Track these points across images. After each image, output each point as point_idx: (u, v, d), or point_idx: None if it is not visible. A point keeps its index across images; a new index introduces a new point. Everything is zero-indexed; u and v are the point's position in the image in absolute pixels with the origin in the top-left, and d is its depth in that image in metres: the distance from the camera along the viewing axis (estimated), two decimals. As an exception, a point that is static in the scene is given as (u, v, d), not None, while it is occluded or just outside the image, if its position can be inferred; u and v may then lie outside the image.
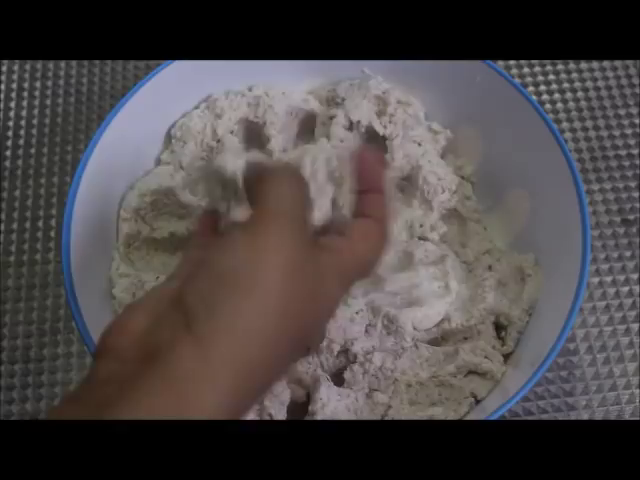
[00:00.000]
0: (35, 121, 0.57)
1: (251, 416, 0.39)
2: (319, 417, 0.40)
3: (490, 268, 0.46)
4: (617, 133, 0.57)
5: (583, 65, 0.61)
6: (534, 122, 0.45)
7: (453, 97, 0.49)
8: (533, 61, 0.61)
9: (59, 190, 0.54)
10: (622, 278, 0.51)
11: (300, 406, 0.41)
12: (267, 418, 0.39)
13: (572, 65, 0.61)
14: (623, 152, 0.56)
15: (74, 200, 0.42)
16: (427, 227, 0.46)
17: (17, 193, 0.54)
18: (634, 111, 0.58)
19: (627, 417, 0.47)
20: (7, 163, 0.55)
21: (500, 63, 0.60)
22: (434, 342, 0.43)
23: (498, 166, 0.48)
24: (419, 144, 0.47)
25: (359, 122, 0.47)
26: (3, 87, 0.59)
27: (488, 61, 0.47)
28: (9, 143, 0.56)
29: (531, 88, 0.59)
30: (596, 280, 0.51)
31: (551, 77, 0.60)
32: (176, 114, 0.49)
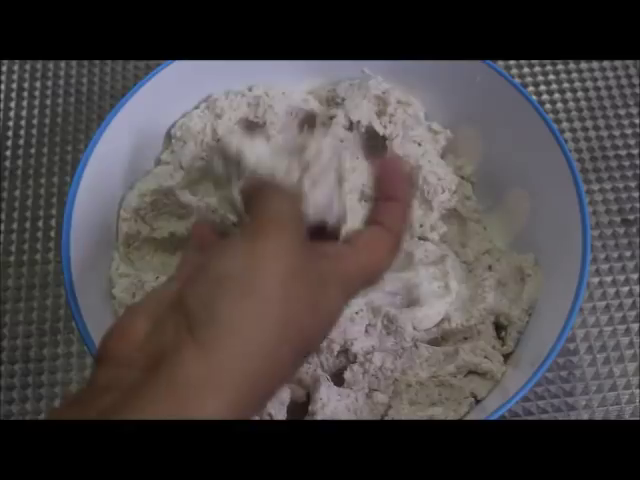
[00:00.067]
0: (35, 121, 0.57)
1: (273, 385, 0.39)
2: (319, 417, 0.40)
3: (490, 268, 0.46)
4: (617, 133, 0.57)
5: (583, 65, 0.61)
6: (534, 122, 0.45)
7: (453, 97, 0.49)
8: (533, 61, 0.61)
9: (59, 190, 0.54)
10: (622, 278, 0.51)
11: (300, 406, 0.41)
12: (267, 418, 0.39)
13: (572, 65, 0.61)
14: (623, 152, 0.56)
15: (74, 200, 0.42)
16: (427, 227, 0.46)
17: (17, 193, 0.54)
18: (634, 111, 0.58)
19: (627, 417, 0.47)
20: (7, 163, 0.55)
21: (500, 63, 0.60)
22: (434, 342, 0.43)
23: (498, 166, 0.48)
24: (419, 144, 0.47)
25: (359, 122, 0.47)
26: (3, 87, 0.59)
27: (488, 61, 0.47)
28: (9, 143, 0.56)
29: (531, 88, 0.59)
30: (596, 280, 0.51)
31: (551, 77, 0.60)
32: (176, 114, 0.49)
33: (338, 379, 0.42)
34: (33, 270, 0.51)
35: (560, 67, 0.61)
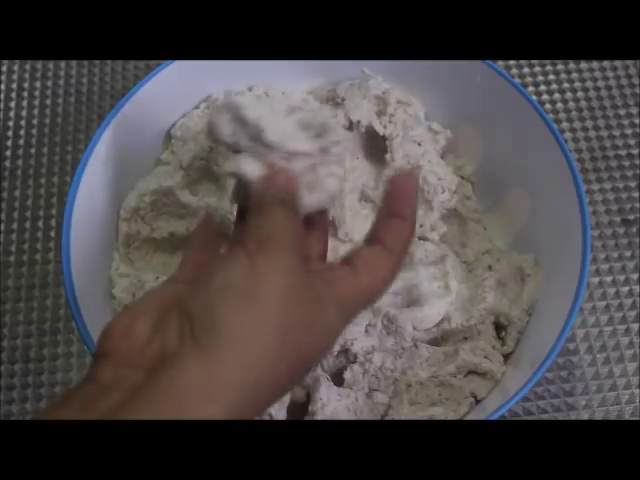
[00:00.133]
0: (35, 121, 0.57)
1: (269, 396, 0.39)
2: (319, 417, 0.40)
3: (490, 268, 0.46)
4: (617, 133, 0.57)
5: (583, 65, 0.61)
6: (534, 122, 0.45)
7: (453, 97, 0.49)
8: (533, 61, 0.61)
9: (59, 190, 0.54)
10: (622, 278, 0.51)
11: (300, 406, 0.41)
12: (267, 418, 0.39)
13: (572, 65, 0.61)
14: (623, 152, 0.56)
15: (74, 200, 0.42)
16: (427, 227, 0.46)
17: (17, 193, 0.54)
18: (634, 111, 0.58)
19: (627, 417, 0.47)
20: (7, 163, 0.55)
21: (500, 63, 0.60)
22: (434, 342, 0.43)
23: (498, 166, 0.48)
24: (419, 144, 0.47)
25: (359, 122, 0.47)
26: (3, 87, 0.59)
27: (488, 61, 0.47)
28: (9, 143, 0.56)
29: (531, 88, 0.59)
30: (596, 280, 0.51)
31: (551, 77, 0.60)
32: (176, 114, 0.49)
33: (338, 379, 0.42)
34: (33, 270, 0.51)
35: (560, 67, 0.61)
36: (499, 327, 0.44)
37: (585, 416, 0.47)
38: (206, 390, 0.25)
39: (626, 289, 0.51)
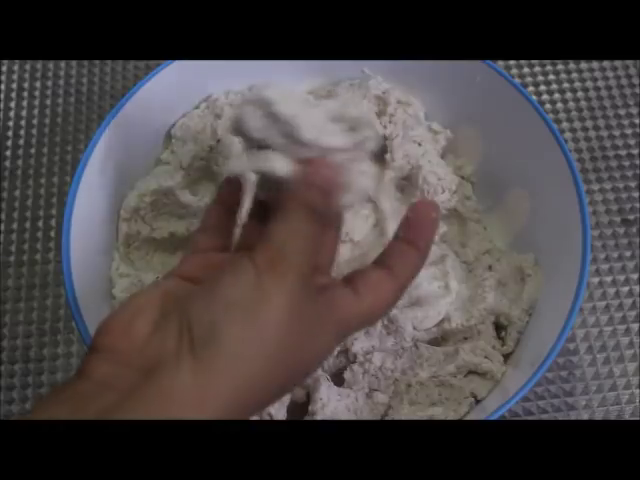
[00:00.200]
0: (35, 121, 0.57)
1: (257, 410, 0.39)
2: (319, 417, 0.40)
3: (490, 268, 0.46)
4: (617, 133, 0.57)
5: (583, 65, 0.61)
6: (534, 122, 0.45)
7: (453, 97, 0.49)
8: (533, 61, 0.61)
9: (59, 190, 0.54)
10: (622, 278, 0.51)
11: (300, 406, 0.41)
12: (267, 418, 0.39)
13: (572, 65, 0.61)
14: (623, 152, 0.56)
15: (74, 200, 0.42)
16: (427, 227, 0.46)
17: (17, 193, 0.54)
18: (634, 111, 0.58)
19: (627, 417, 0.47)
20: (7, 163, 0.55)
21: (500, 63, 0.60)
22: (434, 342, 0.43)
23: (498, 166, 0.48)
24: (419, 144, 0.47)
25: (359, 122, 0.47)
26: (3, 87, 0.59)
27: (488, 61, 0.47)
28: (9, 143, 0.56)
29: (531, 88, 0.59)
30: (596, 280, 0.51)
31: (551, 77, 0.60)
32: (176, 114, 0.49)
33: (338, 379, 0.42)
34: (33, 270, 0.51)
35: (560, 67, 0.61)
36: (499, 327, 0.44)
37: (585, 416, 0.47)
38: (196, 401, 0.25)
39: (626, 289, 0.51)
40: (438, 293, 0.43)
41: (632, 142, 0.57)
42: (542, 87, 0.60)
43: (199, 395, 0.25)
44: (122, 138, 0.45)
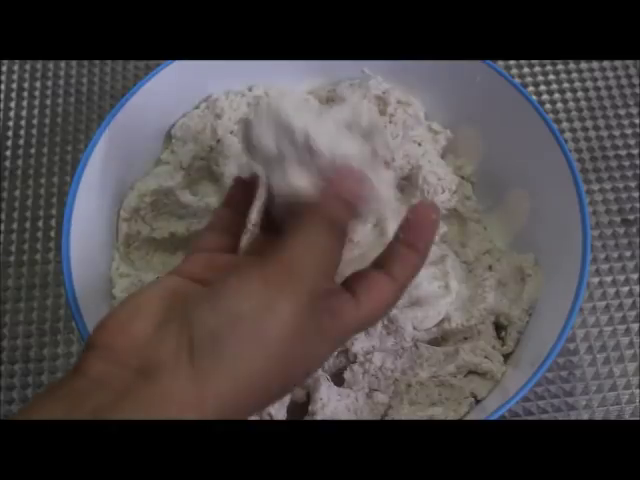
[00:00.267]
0: (35, 121, 0.57)
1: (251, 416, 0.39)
2: (319, 417, 0.40)
3: (490, 268, 0.46)
4: (617, 133, 0.57)
5: (583, 65, 0.61)
6: (534, 122, 0.45)
7: (453, 97, 0.49)
8: (533, 61, 0.61)
9: (59, 190, 0.54)
10: (622, 278, 0.51)
11: (300, 406, 0.41)
12: (267, 418, 0.39)
13: (572, 65, 0.61)
14: (623, 152, 0.56)
15: (74, 200, 0.42)
16: (427, 227, 0.46)
17: (17, 193, 0.54)
18: (634, 111, 0.58)
19: (627, 417, 0.47)
20: (7, 163, 0.55)
21: (500, 63, 0.60)
22: (434, 342, 0.43)
23: (498, 166, 0.48)
24: (419, 144, 0.47)
25: (359, 122, 0.47)
26: (3, 87, 0.59)
27: (488, 61, 0.47)
28: (9, 143, 0.56)
29: (531, 88, 0.59)
30: (596, 280, 0.51)
31: (551, 77, 0.60)
32: (176, 114, 0.49)
33: (338, 379, 0.42)
34: (33, 270, 0.51)
35: (560, 67, 0.61)
36: (499, 327, 0.44)
37: (585, 416, 0.47)
38: (192, 407, 0.25)
39: (626, 289, 0.51)
40: (438, 293, 0.43)
41: (632, 142, 0.57)
42: (542, 87, 0.60)
43: (196, 403, 0.25)
44: (122, 138, 0.45)
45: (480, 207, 0.49)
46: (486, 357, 0.42)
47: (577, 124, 0.58)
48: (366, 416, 0.41)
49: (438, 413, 0.40)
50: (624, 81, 0.60)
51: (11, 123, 0.57)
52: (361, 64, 0.48)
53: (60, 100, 0.58)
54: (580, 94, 0.59)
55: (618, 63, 0.61)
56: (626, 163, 0.56)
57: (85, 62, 0.60)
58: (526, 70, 0.60)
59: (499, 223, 0.48)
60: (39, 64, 0.60)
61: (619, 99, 0.59)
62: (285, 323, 0.26)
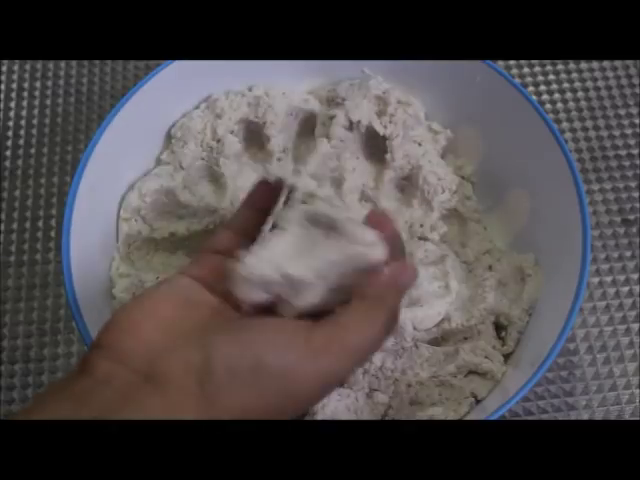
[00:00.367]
0: (35, 121, 0.57)
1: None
2: (319, 417, 0.40)
3: (490, 268, 0.46)
4: (617, 133, 0.57)
5: (583, 65, 0.61)
6: (534, 122, 0.45)
7: (453, 97, 0.49)
8: (533, 61, 0.61)
9: (59, 190, 0.54)
10: (622, 278, 0.51)
11: (300, 406, 0.41)
12: (267, 418, 0.39)
13: (572, 65, 0.61)
14: (623, 152, 0.56)
15: (74, 200, 0.42)
16: (427, 227, 0.46)
17: (17, 193, 0.54)
18: (634, 111, 0.58)
19: (627, 417, 0.47)
20: (7, 163, 0.55)
21: (500, 63, 0.60)
22: (434, 342, 0.43)
23: (498, 166, 0.48)
24: (419, 144, 0.47)
25: (359, 122, 0.47)
26: (3, 87, 0.59)
27: (488, 61, 0.47)
28: (9, 143, 0.56)
29: (531, 88, 0.59)
30: (596, 280, 0.51)
31: (551, 77, 0.60)
32: (176, 114, 0.49)
33: (338, 379, 0.42)
34: (33, 270, 0.51)
35: (560, 67, 0.61)
36: (499, 327, 0.44)
37: (585, 416, 0.47)
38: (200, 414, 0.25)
39: (626, 289, 0.51)
40: (438, 293, 0.43)
41: (632, 142, 0.57)
42: (542, 87, 0.60)
43: (202, 416, 0.25)
44: (122, 138, 0.45)
45: (480, 207, 0.49)
46: (486, 357, 0.42)
47: (577, 124, 0.58)
48: (366, 416, 0.41)
49: (438, 413, 0.40)
50: (624, 81, 0.60)
51: (11, 123, 0.57)
52: (361, 64, 0.48)
53: (60, 100, 0.58)
54: (580, 94, 0.59)
55: (618, 63, 0.61)
56: (626, 163, 0.56)
57: (85, 62, 0.60)
58: (526, 70, 0.60)
59: (499, 223, 0.48)
60: (39, 64, 0.60)
61: (619, 99, 0.59)
62: (313, 387, 0.27)
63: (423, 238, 0.46)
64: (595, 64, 0.61)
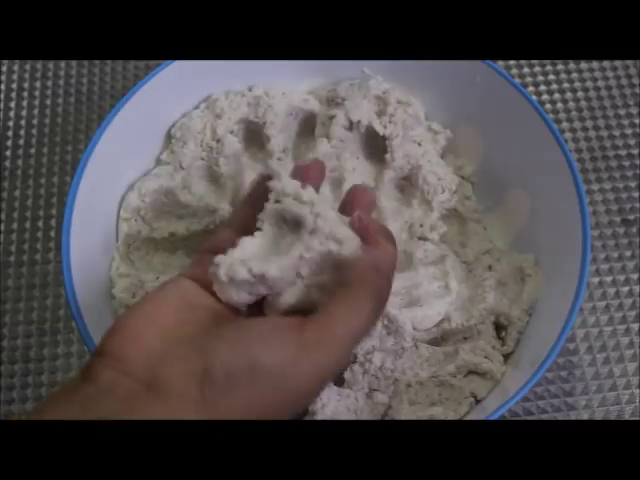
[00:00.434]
0: (35, 121, 0.57)
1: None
2: (319, 417, 0.39)
3: (490, 268, 0.46)
4: (617, 133, 0.57)
5: (583, 65, 0.61)
6: (534, 122, 0.45)
7: (453, 97, 0.49)
8: (533, 61, 0.61)
9: (59, 190, 0.54)
10: (622, 278, 0.51)
11: (300, 406, 0.41)
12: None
13: (572, 65, 0.61)
14: (623, 152, 0.56)
15: (74, 200, 0.42)
16: (427, 227, 0.46)
17: (17, 193, 0.54)
18: (634, 111, 0.58)
19: (627, 417, 0.47)
20: (7, 163, 0.55)
21: (500, 63, 0.60)
22: (434, 342, 0.43)
23: (498, 166, 0.48)
24: (419, 144, 0.47)
25: (359, 122, 0.47)
26: (3, 87, 0.59)
27: (488, 61, 0.47)
28: (9, 143, 0.56)
29: (531, 88, 0.59)
30: (596, 280, 0.51)
31: (551, 77, 0.60)
32: (176, 114, 0.49)
33: (338, 379, 0.42)
34: (33, 270, 0.51)
35: (560, 67, 0.61)
36: (499, 327, 0.44)
37: (585, 416, 0.47)
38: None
39: (626, 289, 0.51)
40: (438, 293, 0.43)
41: (632, 142, 0.57)
42: (542, 87, 0.60)
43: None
44: (122, 138, 0.45)
45: (480, 207, 0.49)
46: (486, 357, 0.42)
47: (577, 124, 0.58)
48: (366, 416, 0.41)
49: (438, 413, 0.40)
50: (624, 81, 0.60)
51: (11, 123, 0.57)
52: (361, 64, 0.48)
53: (60, 100, 0.58)
54: (580, 94, 0.59)
55: (618, 63, 0.61)
56: (626, 163, 0.56)
57: (85, 62, 0.60)
58: (526, 70, 0.60)
59: (499, 223, 0.48)
60: (39, 64, 0.60)
61: (619, 99, 0.59)
62: (310, 382, 0.27)
63: (423, 238, 0.46)
64: (595, 64, 0.61)
